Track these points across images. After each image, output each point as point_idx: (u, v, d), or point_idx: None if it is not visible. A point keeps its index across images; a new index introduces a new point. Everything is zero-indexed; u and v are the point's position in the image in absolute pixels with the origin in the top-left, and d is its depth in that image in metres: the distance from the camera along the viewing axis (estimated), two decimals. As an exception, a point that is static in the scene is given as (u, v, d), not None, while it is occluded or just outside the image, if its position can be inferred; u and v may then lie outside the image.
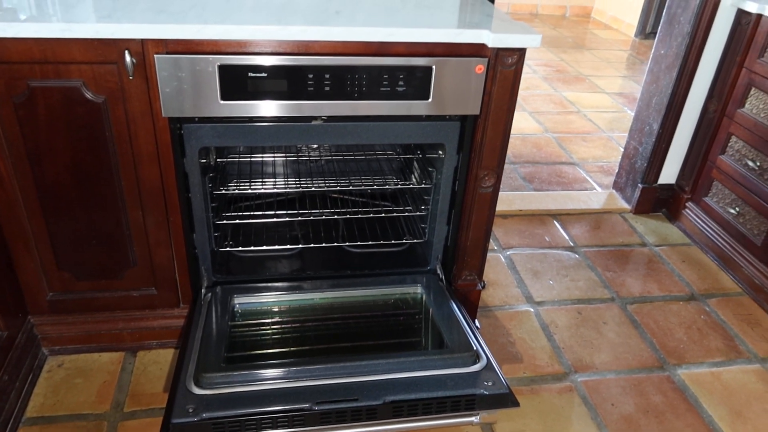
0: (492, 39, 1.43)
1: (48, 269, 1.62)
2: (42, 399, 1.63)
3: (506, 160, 3.19)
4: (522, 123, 3.72)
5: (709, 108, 2.48)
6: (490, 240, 2.48)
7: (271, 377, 1.36)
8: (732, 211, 2.35)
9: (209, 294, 1.69)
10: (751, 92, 2.25)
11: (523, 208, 2.75)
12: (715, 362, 1.93)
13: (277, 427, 1.28)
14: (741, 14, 2.28)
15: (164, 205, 1.58)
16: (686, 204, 2.62)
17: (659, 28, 2.56)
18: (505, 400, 1.37)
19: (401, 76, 1.47)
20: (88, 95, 1.38)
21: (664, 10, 2.52)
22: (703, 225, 2.51)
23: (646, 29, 5.99)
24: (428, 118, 1.57)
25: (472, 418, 1.40)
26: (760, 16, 2.19)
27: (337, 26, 1.39)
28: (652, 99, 2.61)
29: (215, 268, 1.76)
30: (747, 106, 2.28)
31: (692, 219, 2.57)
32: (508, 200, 2.79)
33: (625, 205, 2.81)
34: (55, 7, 1.42)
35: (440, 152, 1.69)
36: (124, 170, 1.50)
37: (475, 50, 1.47)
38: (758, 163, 2.22)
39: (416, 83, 1.48)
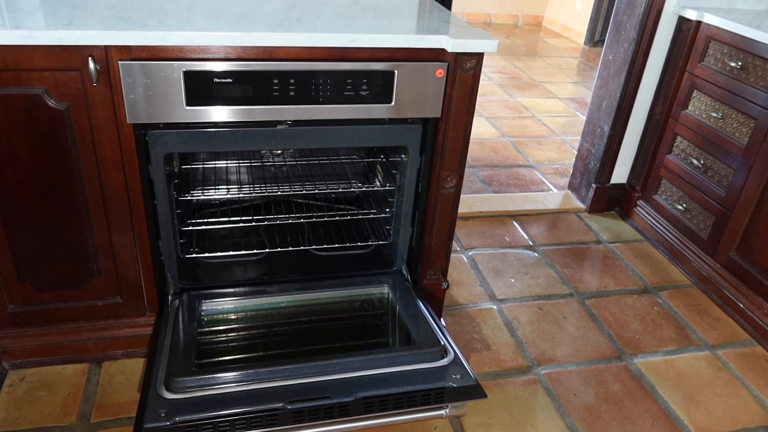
0: (451, 44, 1.48)
1: (8, 281, 1.59)
2: (4, 414, 1.59)
3: (466, 164, 3.27)
4: (480, 128, 3.82)
5: (655, 110, 2.60)
6: (453, 241, 2.55)
7: (243, 379, 1.37)
8: (680, 207, 2.48)
9: (176, 301, 1.68)
10: (694, 94, 2.39)
11: (484, 209, 2.82)
12: (668, 351, 2.03)
13: (251, 428, 1.29)
14: (682, 21, 2.41)
15: (129, 213, 1.57)
16: (637, 202, 2.74)
17: (607, 34, 2.68)
18: (473, 391, 1.41)
19: (364, 81, 1.51)
20: (51, 102, 1.37)
21: (612, 18, 2.65)
22: (654, 222, 2.63)
23: (595, 37, 6.22)
24: (391, 121, 1.61)
25: (442, 411, 1.44)
26: (699, 22, 2.32)
27: (300, 32, 1.42)
28: (602, 102, 2.73)
29: (182, 274, 1.75)
30: (690, 107, 2.41)
31: (643, 216, 2.70)
32: (468, 202, 2.86)
33: (580, 205, 2.92)
34: (11, 14, 1.40)
35: (403, 155, 1.73)
36: (88, 178, 1.49)
37: (435, 55, 1.53)
38: (702, 162, 2.35)
39: (379, 87, 1.52)
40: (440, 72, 1.54)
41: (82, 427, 1.57)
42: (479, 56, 1.54)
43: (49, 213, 1.51)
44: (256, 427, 1.30)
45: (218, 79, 1.41)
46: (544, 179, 3.20)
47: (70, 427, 1.57)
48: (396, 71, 1.51)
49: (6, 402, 1.62)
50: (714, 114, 2.28)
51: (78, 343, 1.73)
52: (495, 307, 2.18)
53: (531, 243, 2.60)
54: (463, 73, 1.55)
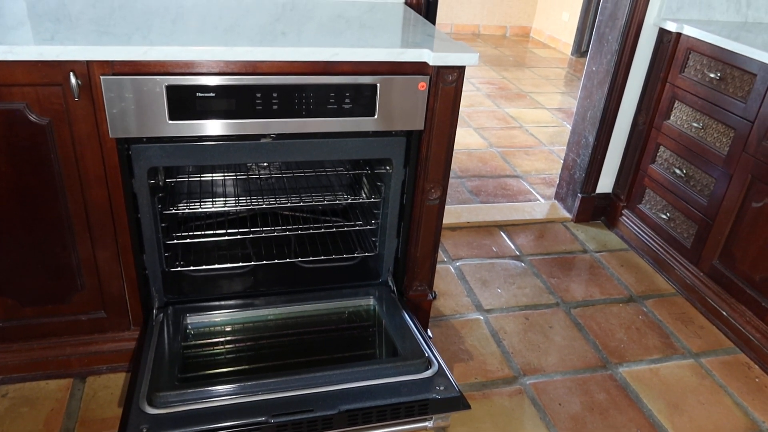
0: (433, 57, 1.50)
1: (-10, 296, 1.58)
2: (-15, 431, 1.57)
3: (453, 175, 3.29)
4: (468, 139, 3.84)
5: (638, 120, 2.64)
6: (440, 252, 2.56)
7: (226, 393, 1.37)
8: (663, 216, 2.50)
9: (161, 315, 1.68)
10: (675, 105, 2.42)
11: (471, 220, 2.84)
12: (653, 359, 2.04)
13: (233, 442, 1.29)
14: (662, 33, 2.45)
15: (113, 227, 1.57)
16: (622, 211, 2.76)
17: (590, 46, 2.71)
18: (457, 403, 1.41)
19: (347, 94, 1.52)
20: (32, 117, 1.37)
21: (594, 29, 2.68)
22: (639, 231, 2.65)
23: (582, 48, 6.29)
24: (375, 134, 1.62)
25: (426, 423, 1.44)
26: (679, 34, 2.36)
27: (283, 46, 1.43)
28: (586, 113, 2.76)
29: (167, 288, 1.75)
30: (672, 118, 2.45)
31: (628, 225, 2.72)
32: (456, 213, 2.87)
33: (567, 215, 2.94)
34: (-5, 29, 1.41)
35: (387, 167, 1.74)
36: (71, 192, 1.49)
37: (418, 68, 1.54)
38: (684, 171, 2.38)
39: (362, 101, 1.53)
40: (422, 85, 1.55)
41: (64, 443, 1.56)
42: (461, 69, 1.56)
43: (32, 227, 1.51)
44: (238, 442, 1.29)
45: (201, 93, 1.42)
46: (531, 189, 3.22)
47: (53, 443, 1.56)
48: (379, 84, 1.52)
49: (-12, 419, 1.61)
50: (695, 124, 2.31)
51: (61, 358, 1.72)
52: (482, 317, 2.19)
53: (518, 253, 2.61)
54: (445, 86, 1.57)
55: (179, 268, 1.85)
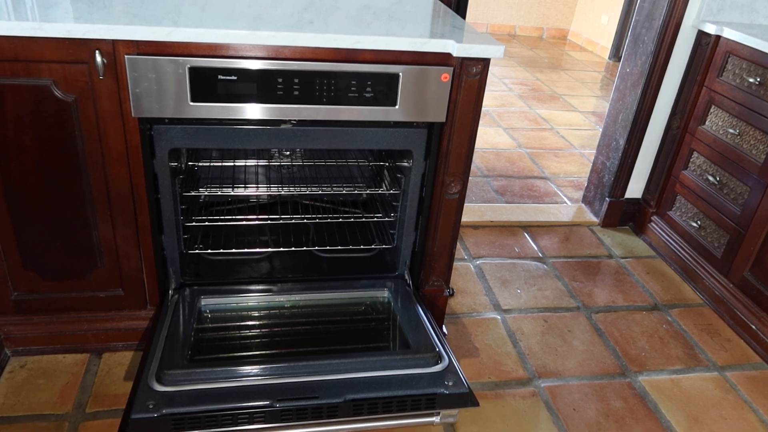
0: (457, 49, 1.48)
1: (13, 269, 1.62)
2: (2, 399, 1.61)
3: (479, 173, 3.26)
4: (496, 138, 3.79)
5: (672, 125, 2.56)
6: (461, 250, 2.53)
7: (234, 375, 1.37)
8: (694, 224, 2.43)
9: (176, 295, 1.69)
10: (711, 110, 2.34)
11: (495, 219, 2.80)
12: (674, 370, 1.98)
13: (237, 424, 1.29)
14: (701, 35, 2.37)
15: (133, 206, 1.59)
16: (651, 218, 2.69)
17: (625, 46, 2.65)
18: (465, 399, 1.39)
19: (369, 83, 1.51)
20: (58, 94, 1.39)
21: (630, 30, 2.61)
22: (668, 238, 2.57)
23: (620, 52, 6.15)
24: (396, 124, 1.61)
25: (433, 418, 1.42)
26: (718, 37, 2.28)
27: (305, 32, 1.43)
28: (618, 115, 2.69)
29: (184, 270, 1.76)
30: (707, 123, 2.37)
31: (657, 232, 2.64)
32: (479, 211, 2.84)
33: (594, 219, 2.88)
34: (33, 8, 1.43)
35: (407, 160, 1.72)
36: (93, 170, 1.51)
37: (441, 59, 1.52)
38: (718, 178, 2.30)
39: (384, 90, 1.52)
40: (446, 76, 1.53)
41: (77, 416, 1.59)
42: (485, 62, 1.53)
43: (54, 203, 1.54)
44: (242, 424, 1.29)
45: (223, 76, 1.42)
46: (558, 191, 3.16)
47: (66, 415, 1.58)
48: (401, 74, 1.51)
49: (5, 388, 1.65)
50: (731, 130, 2.23)
51: (79, 333, 1.75)
52: (499, 317, 2.15)
53: (540, 255, 2.56)
54: (468, 78, 1.55)
55: (197, 251, 1.87)
